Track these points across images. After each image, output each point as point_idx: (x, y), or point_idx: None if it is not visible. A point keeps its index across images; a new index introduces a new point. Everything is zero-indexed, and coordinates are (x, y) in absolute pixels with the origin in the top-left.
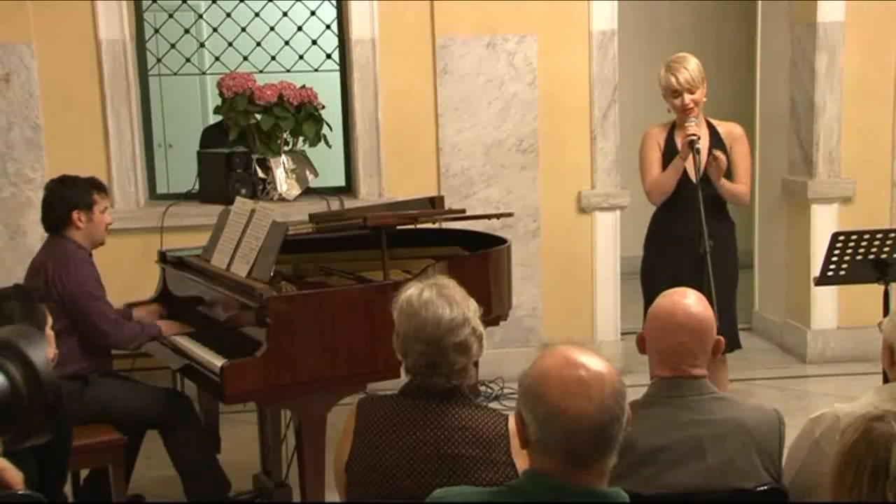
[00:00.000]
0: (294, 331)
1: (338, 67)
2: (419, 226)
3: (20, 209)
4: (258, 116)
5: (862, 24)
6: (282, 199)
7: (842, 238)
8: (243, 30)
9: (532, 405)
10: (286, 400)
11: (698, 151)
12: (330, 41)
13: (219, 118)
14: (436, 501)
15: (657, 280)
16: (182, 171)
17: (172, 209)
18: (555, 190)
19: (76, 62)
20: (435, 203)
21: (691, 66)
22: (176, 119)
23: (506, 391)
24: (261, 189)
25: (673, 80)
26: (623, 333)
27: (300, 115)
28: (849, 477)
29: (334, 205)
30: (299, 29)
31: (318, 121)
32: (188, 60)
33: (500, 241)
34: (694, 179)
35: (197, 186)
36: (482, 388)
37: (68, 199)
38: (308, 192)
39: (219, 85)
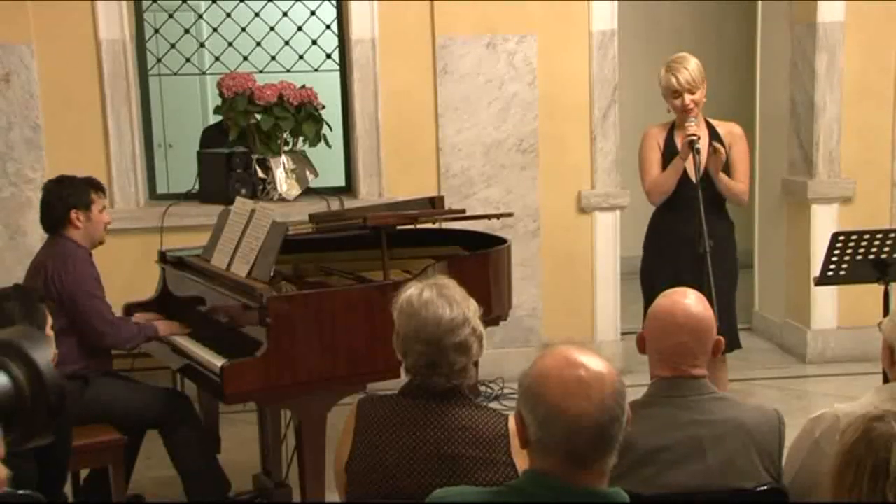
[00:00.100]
0: (294, 331)
1: (338, 67)
2: (419, 226)
3: (20, 209)
4: (258, 116)
5: (862, 24)
6: (282, 199)
7: (842, 238)
8: (243, 30)
9: (532, 405)
10: (286, 400)
11: (698, 151)
12: (330, 41)
13: (219, 118)
14: (436, 501)
15: (657, 280)
16: (182, 171)
17: (172, 209)
18: (555, 190)
19: (76, 62)
20: (435, 203)
21: (691, 67)
22: (176, 119)
23: (506, 391)
24: (261, 189)
25: (673, 80)
26: (623, 333)
27: (300, 115)
28: (849, 477)
29: (334, 205)
30: (299, 29)
31: (318, 121)
32: (188, 60)
33: (500, 241)
34: (694, 179)
35: (197, 186)
36: (482, 388)
37: (66, 198)
38: (308, 192)
39: (219, 85)
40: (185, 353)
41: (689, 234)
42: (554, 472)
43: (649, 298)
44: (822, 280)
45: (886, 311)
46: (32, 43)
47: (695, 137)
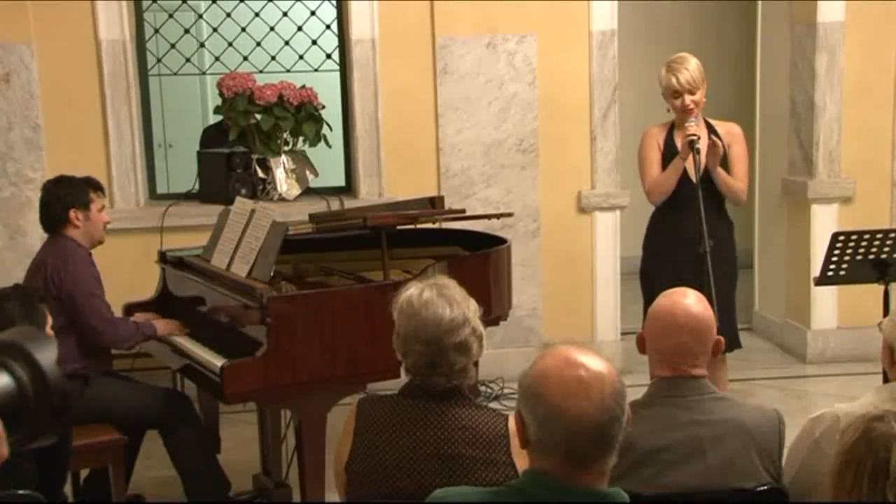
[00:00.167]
0: (294, 331)
1: (338, 67)
2: (419, 226)
3: (20, 209)
4: (258, 116)
5: (862, 24)
6: (282, 199)
7: (842, 238)
8: (243, 30)
9: (532, 405)
10: (286, 400)
11: (698, 151)
12: (330, 41)
13: (219, 118)
14: (436, 501)
15: (657, 280)
16: (182, 171)
17: (172, 209)
18: (555, 190)
19: (76, 62)
20: (435, 203)
21: (692, 67)
22: (176, 119)
23: (506, 391)
24: (261, 189)
25: (674, 80)
26: (623, 333)
27: (300, 115)
28: (849, 477)
29: (334, 205)
30: (299, 29)
31: (318, 121)
32: (188, 60)
33: (500, 241)
34: (694, 179)
35: (197, 186)
36: (482, 388)
37: (65, 198)
38: (308, 192)
39: (219, 85)
40: (185, 353)
41: (689, 234)
42: (554, 472)
43: (649, 298)
44: (822, 280)
45: (886, 311)
46: (32, 43)
47: (695, 137)
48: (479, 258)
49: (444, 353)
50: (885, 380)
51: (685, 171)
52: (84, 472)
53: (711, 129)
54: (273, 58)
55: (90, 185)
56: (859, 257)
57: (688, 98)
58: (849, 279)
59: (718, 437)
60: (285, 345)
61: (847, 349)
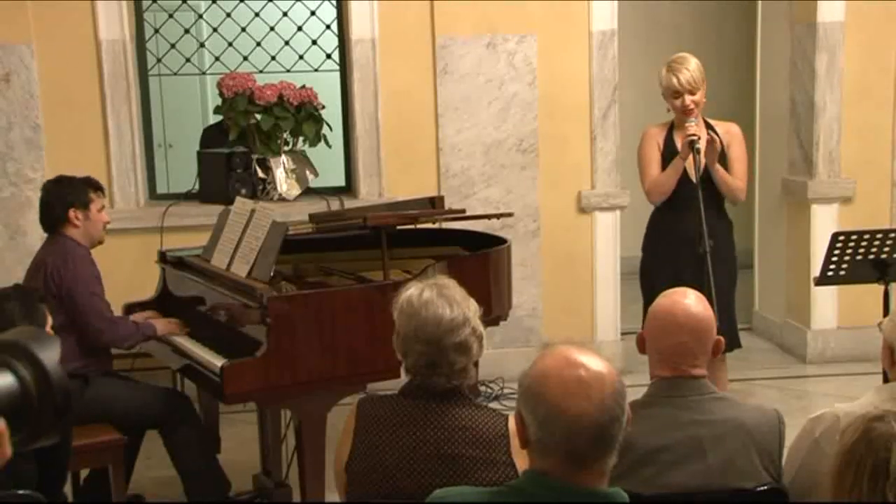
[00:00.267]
0: (294, 331)
1: (338, 67)
2: (419, 226)
3: (20, 209)
4: (258, 116)
5: (862, 24)
6: (282, 199)
7: (842, 238)
8: (243, 30)
9: (532, 405)
10: (286, 400)
11: (698, 151)
12: (330, 41)
13: (219, 118)
14: (436, 501)
15: (657, 280)
16: (182, 171)
17: (172, 209)
18: (555, 190)
19: (76, 62)
20: (435, 203)
21: (692, 67)
22: (176, 119)
23: (506, 391)
24: (261, 189)
25: (675, 80)
26: (623, 333)
27: (300, 115)
28: (849, 477)
29: (334, 205)
30: (299, 29)
31: (318, 121)
32: (188, 60)
33: (500, 241)
34: (694, 179)
35: (197, 186)
36: (482, 388)
37: (64, 197)
38: (308, 192)
39: (219, 85)
40: (185, 353)
41: (689, 234)
42: (554, 472)
43: (649, 298)
44: (822, 280)
45: (886, 311)
46: (32, 43)
47: (695, 137)
48: (479, 258)
49: (444, 353)
50: (885, 380)
51: (685, 171)
52: (84, 472)
53: (711, 130)
54: (273, 58)
55: (90, 185)
56: (859, 257)
57: (688, 98)
58: (849, 279)
59: (718, 437)
60: (285, 345)
61: (847, 349)
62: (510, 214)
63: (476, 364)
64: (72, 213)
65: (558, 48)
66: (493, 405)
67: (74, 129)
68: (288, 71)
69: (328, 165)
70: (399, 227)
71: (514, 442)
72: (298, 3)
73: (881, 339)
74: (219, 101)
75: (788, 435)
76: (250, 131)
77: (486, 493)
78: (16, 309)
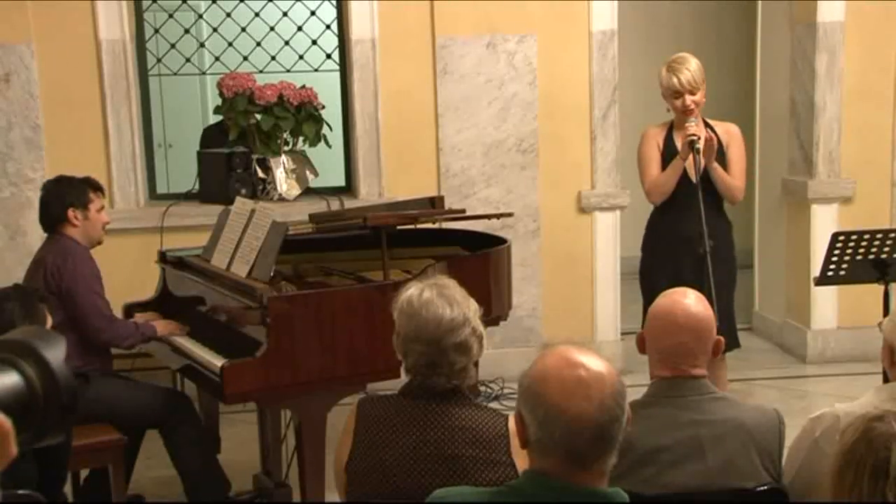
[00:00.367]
0: (294, 331)
1: (338, 67)
2: (419, 226)
3: (20, 209)
4: (258, 116)
5: (862, 24)
6: (282, 199)
7: (842, 238)
8: (243, 30)
9: (532, 405)
10: (286, 400)
11: (698, 151)
12: (330, 41)
13: (219, 118)
14: (436, 501)
15: (657, 280)
16: (182, 171)
17: (172, 209)
18: (555, 190)
19: (76, 62)
20: (435, 203)
21: (693, 67)
22: (176, 119)
23: (506, 391)
24: (261, 189)
25: (675, 80)
26: (623, 333)
27: (300, 115)
28: (849, 477)
29: (334, 205)
30: (299, 29)
31: (318, 121)
32: (188, 60)
33: (500, 241)
34: (694, 179)
35: (197, 186)
36: (482, 388)
37: (64, 197)
38: (308, 192)
39: (219, 85)
40: (185, 353)
41: (689, 234)
42: (554, 472)
43: (649, 298)
44: (822, 280)
45: (886, 311)
46: (32, 43)
47: (695, 138)
48: (479, 258)
49: (445, 353)
50: (885, 380)
51: (685, 172)
52: (84, 472)
53: (710, 130)
54: (273, 58)
55: (89, 185)
56: (859, 257)
57: (688, 98)
58: (849, 279)
59: (718, 437)
60: (285, 345)
61: (847, 349)
62: (510, 214)
63: (476, 364)
64: (71, 213)
65: (558, 48)
66: (493, 405)
67: (74, 129)
68: (288, 71)
69: (328, 165)
70: (399, 227)
71: (514, 442)
72: (298, 3)
73: (881, 339)
74: (219, 101)
75: (788, 435)
76: (250, 131)
77: (486, 493)
78: (16, 309)
